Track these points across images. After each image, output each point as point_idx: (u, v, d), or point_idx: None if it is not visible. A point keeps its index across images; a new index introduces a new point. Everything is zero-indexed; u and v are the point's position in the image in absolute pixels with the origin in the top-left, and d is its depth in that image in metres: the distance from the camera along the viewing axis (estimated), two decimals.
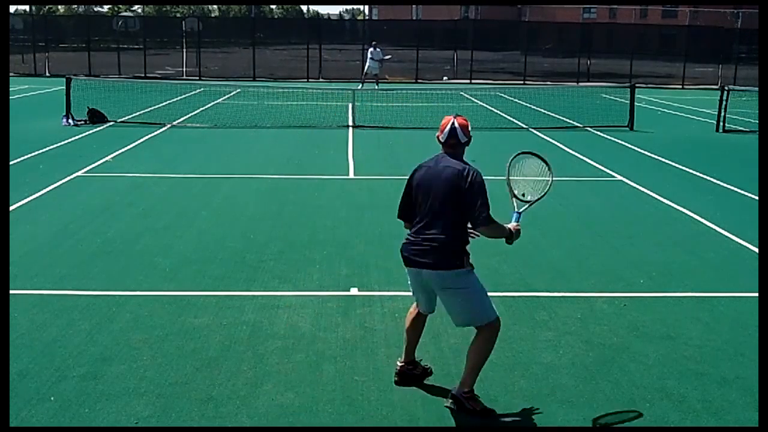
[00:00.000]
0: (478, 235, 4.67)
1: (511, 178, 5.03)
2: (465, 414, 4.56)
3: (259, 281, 6.96)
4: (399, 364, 4.98)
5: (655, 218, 9.71)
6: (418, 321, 4.96)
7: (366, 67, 28.40)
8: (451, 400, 4.62)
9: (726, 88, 19.60)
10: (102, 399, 4.68)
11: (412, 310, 4.97)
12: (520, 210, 4.92)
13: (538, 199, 5.02)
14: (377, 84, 28.17)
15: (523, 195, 5.00)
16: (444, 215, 4.54)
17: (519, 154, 5.11)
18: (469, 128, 4.70)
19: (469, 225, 4.59)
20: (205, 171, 12.22)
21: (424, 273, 4.59)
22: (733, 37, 39.10)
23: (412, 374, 4.97)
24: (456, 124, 4.64)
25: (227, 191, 10.80)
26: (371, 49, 28.08)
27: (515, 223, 4.75)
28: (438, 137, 4.72)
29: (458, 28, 42.66)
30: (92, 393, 4.75)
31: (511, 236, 4.66)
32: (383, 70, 30.20)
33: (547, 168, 5.10)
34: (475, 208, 4.47)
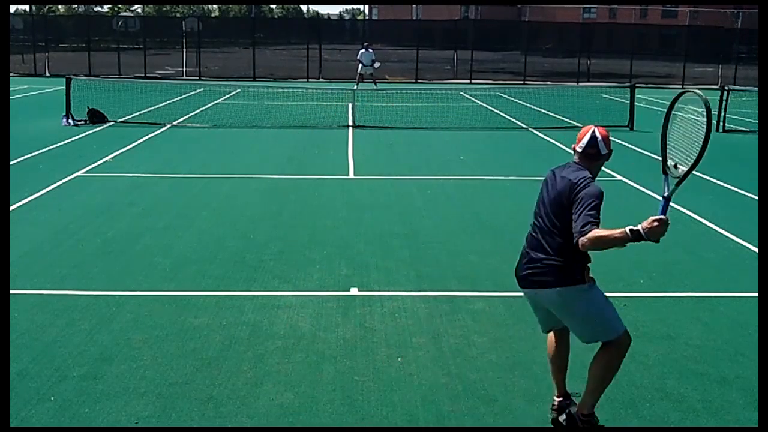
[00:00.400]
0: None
1: (669, 138, 4.28)
2: None
3: (259, 281, 6.96)
4: (556, 399, 4.47)
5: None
6: (559, 344, 4.47)
7: (359, 68, 28.45)
8: (565, 417, 4.35)
9: (726, 88, 19.62)
10: (102, 399, 4.68)
11: (549, 337, 4.54)
12: (670, 191, 4.18)
13: (694, 165, 4.03)
14: (375, 83, 28.13)
15: (675, 166, 4.19)
16: (551, 228, 4.20)
17: (681, 95, 4.38)
18: (610, 140, 4.30)
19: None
20: (205, 171, 12.22)
21: (530, 292, 4.31)
22: (733, 37, 39.11)
23: (567, 408, 4.42)
24: (597, 133, 4.28)
25: (227, 191, 10.80)
26: (362, 50, 28.12)
27: (652, 219, 3.91)
28: (574, 147, 4.32)
29: (458, 28, 42.66)
30: (92, 393, 4.76)
31: (639, 238, 3.89)
32: (383, 71, 30.20)
33: (704, 112, 4.13)
34: (576, 220, 4.01)
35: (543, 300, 4.25)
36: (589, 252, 4.09)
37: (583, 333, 4.24)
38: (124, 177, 11.61)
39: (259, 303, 6.37)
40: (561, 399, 4.47)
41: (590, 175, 4.22)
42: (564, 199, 4.13)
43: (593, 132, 4.29)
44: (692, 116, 4.22)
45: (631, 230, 3.88)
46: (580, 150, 4.28)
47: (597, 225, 3.95)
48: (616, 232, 3.91)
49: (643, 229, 3.88)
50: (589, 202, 4.03)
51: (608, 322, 4.19)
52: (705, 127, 4.02)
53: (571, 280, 4.13)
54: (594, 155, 4.26)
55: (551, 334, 4.50)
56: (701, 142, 3.99)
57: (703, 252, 8.21)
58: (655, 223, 3.90)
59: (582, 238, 3.93)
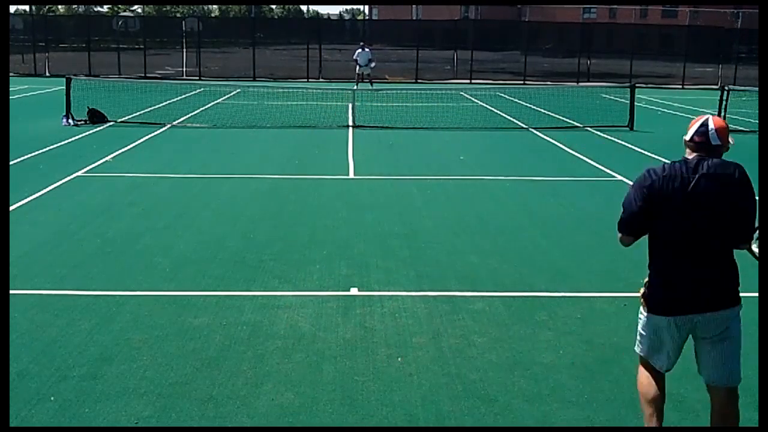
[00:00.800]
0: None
1: None
2: None
3: (259, 281, 6.96)
4: None
5: None
6: (660, 383, 3.93)
7: (356, 69, 28.47)
8: None
9: (726, 87, 19.60)
10: (102, 399, 4.68)
11: (647, 376, 3.97)
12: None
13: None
14: (371, 84, 28.12)
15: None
16: (719, 237, 3.71)
17: None
18: (729, 134, 3.80)
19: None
20: (205, 171, 12.22)
21: (699, 318, 3.73)
22: (733, 37, 39.11)
23: None
24: (711, 124, 3.72)
25: (227, 191, 10.80)
26: (358, 50, 28.13)
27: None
28: (685, 140, 3.81)
29: (458, 28, 42.67)
30: (92, 393, 4.75)
31: None
32: (383, 71, 30.21)
33: None
34: (746, 223, 3.65)
35: (698, 325, 3.76)
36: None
37: (732, 367, 3.78)
38: (124, 177, 11.61)
39: (259, 303, 6.37)
40: None
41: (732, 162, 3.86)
42: (734, 199, 3.71)
43: (705, 120, 3.80)
44: None
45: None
46: (687, 139, 3.83)
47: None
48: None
49: None
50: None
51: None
52: None
53: (738, 297, 3.84)
54: (709, 146, 3.78)
55: (650, 375, 3.94)
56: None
57: None
58: None
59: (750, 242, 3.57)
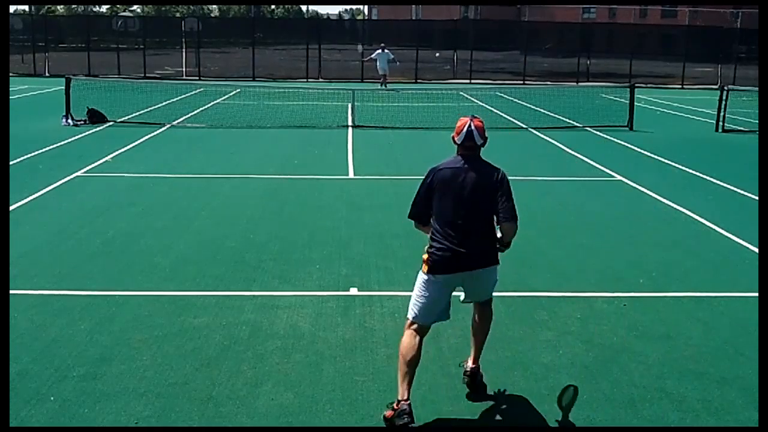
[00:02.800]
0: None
1: None
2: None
3: (259, 281, 6.96)
4: (405, 403, 4.37)
5: (655, 218, 9.71)
6: (420, 347, 4.52)
7: (379, 71, 28.41)
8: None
9: (726, 87, 19.60)
10: (102, 399, 4.68)
11: (412, 339, 4.52)
12: None
13: None
14: (384, 85, 28.10)
15: None
16: (484, 214, 4.56)
17: None
18: (485, 130, 4.64)
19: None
20: (205, 171, 12.22)
21: (474, 273, 4.57)
22: (732, 37, 39.10)
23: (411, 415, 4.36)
24: (473, 126, 4.56)
25: (227, 191, 10.80)
26: (378, 51, 28.15)
27: None
28: (453, 138, 4.63)
29: (458, 28, 42.66)
30: (92, 393, 4.76)
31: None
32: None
33: None
34: (507, 205, 4.53)
35: (469, 279, 4.66)
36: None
37: (487, 294, 4.88)
38: (124, 177, 11.61)
39: (258, 303, 6.38)
40: (408, 401, 4.39)
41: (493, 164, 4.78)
42: (489, 187, 4.59)
43: (469, 125, 4.58)
44: None
45: None
46: (459, 142, 4.64)
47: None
48: None
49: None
50: (511, 191, 4.66)
51: None
52: None
53: (497, 258, 4.69)
54: (472, 147, 4.63)
55: (416, 337, 4.58)
56: None
57: (702, 252, 8.22)
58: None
59: (512, 222, 4.57)
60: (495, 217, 4.59)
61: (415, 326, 4.59)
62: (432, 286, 4.57)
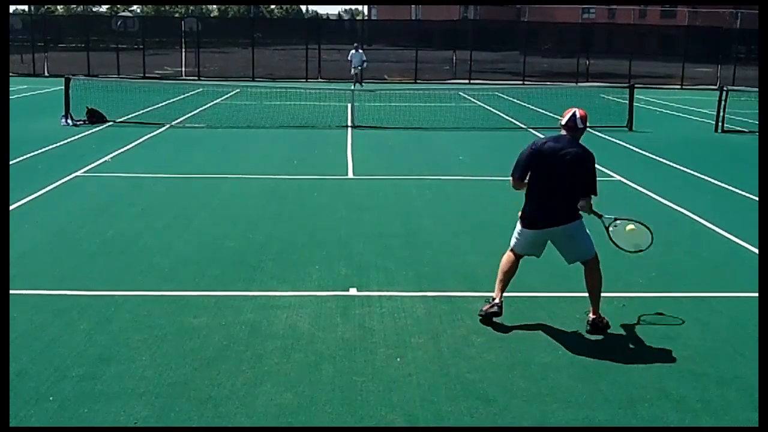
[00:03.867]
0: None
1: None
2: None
3: (258, 281, 6.96)
4: (496, 301, 5.86)
5: (654, 218, 9.66)
6: (515, 266, 5.99)
7: (351, 70, 28.67)
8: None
9: (725, 88, 19.62)
10: (101, 399, 4.68)
11: (512, 259, 5.96)
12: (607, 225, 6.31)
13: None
14: (360, 84, 28.09)
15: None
16: (568, 185, 5.69)
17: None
18: (586, 119, 5.79)
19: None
20: (204, 171, 12.22)
21: (553, 230, 5.78)
22: (732, 38, 39.13)
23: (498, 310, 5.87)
24: (577, 113, 5.74)
25: (226, 191, 10.80)
26: (352, 51, 28.35)
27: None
28: (561, 123, 5.80)
29: (457, 29, 42.67)
30: (91, 393, 4.75)
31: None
32: (380, 70, 30.23)
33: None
34: (593, 181, 5.78)
35: (556, 233, 5.84)
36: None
37: (577, 253, 5.98)
38: (123, 177, 11.61)
39: (258, 303, 6.37)
40: (501, 302, 5.90)
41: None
42: (580, 163, 5.71)
43: (574, 113, 5.76)
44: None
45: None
46: (563, 123, 5.79)
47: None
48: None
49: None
50: (595, 170, 5.88)
51: (591, 245, 5.99)
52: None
53: (579, 215, 5.86)
54: (573, 128, 5.78)
55: (514, 259, 5.99)
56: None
57: (702, 252, 8.22)
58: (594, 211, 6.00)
59: (593, 195, 5.95)
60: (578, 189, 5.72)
61: (513, 252, 6.00)
62: (523, 236, 5.87)
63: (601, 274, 5.90)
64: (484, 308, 5.93)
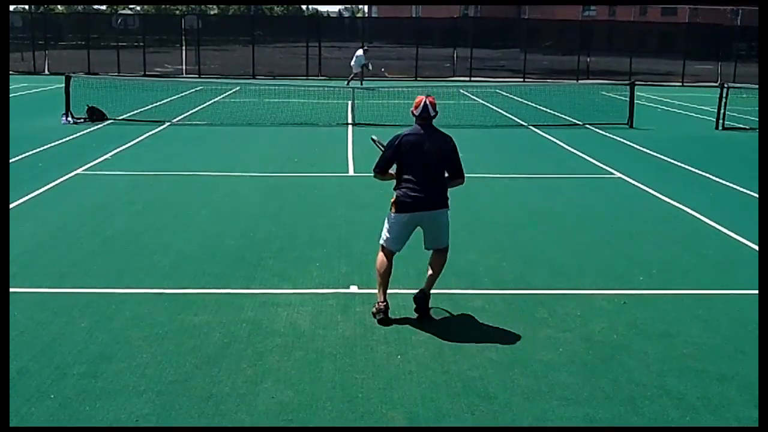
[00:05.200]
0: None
1: None
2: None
3: (259, 279, 6.96)
4: (381, 305, 5.94)
5: (655, 216, 9.71)
6: (390, 263, 6.02)
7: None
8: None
9: (725, 85, 19.58)
10: (102, 397, 4.68)
11: (386, 259, 6.01)
12: None
13: None
14: (360, 82, 28.08)
15: None
16: (438, 170, 5.91)
17: None
18: (436, 105, 5.99)
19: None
20: (205, 169, 12.22)
21: (425, 214, 5.89)
22: (732, 35, 39.09)
23: (387, 313, 5.96)
24: (427, 102, 5.92)
25: (227, 189, 10.80)
26: (359, 52, 28.36)
27: None
28: (413, 112, 5.95)
29: (458, 26, 42.64)
30: (92, 391, 4.76)
31: None
32: (380, 68, 30.21)
33: None
34: (458, 165, 5.96)
35: (424, 219, 5.96)
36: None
37: (442, 238, 6.10)
38: (124, 175, 11.61)
39: (258, 301, 6.38)
40: (386, 302, 5.98)
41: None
42: (444, 149, 5.92)
43: (425, 102, 5.92)
44: None
45: None
46: (417, 114, 5.95)
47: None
48: None
49: None
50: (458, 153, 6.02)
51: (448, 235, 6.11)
52: None
53: (447, 203, 6.05)
54: (427, 117, 5.96)
55: (389, 257, 6.04)
56: None
57: (702, 249, 8.22)
58: None
59: (461, 178, 6.09)
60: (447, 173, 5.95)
61: (385, 251, 6.02)
62: (397, 223, 5.94)
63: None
64: (373, 311, 6.00)
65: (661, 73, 38.59)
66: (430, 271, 6.12)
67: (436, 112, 5.98)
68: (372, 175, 6.22)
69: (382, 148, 6.17)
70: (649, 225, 9.22)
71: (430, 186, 5.88)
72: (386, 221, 6.06)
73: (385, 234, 6.05)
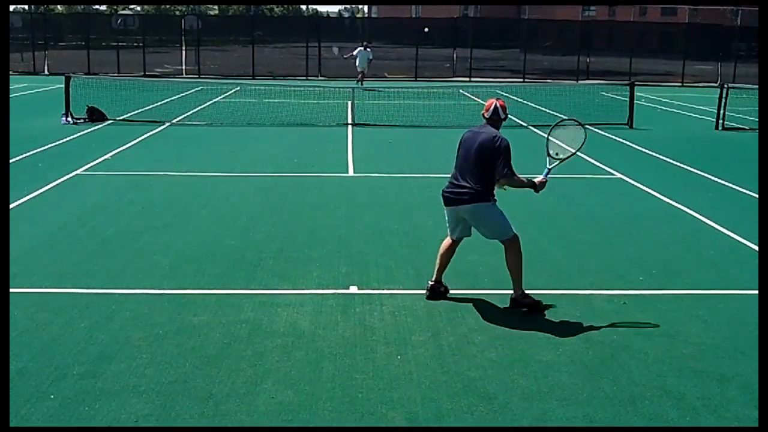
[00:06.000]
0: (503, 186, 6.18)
1: (549, 139, 6.58)
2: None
3: (259, 279, 6.96)
4: (430, 283, 6.43)
5: (655, 216, 9.71)
6: (452, 248, 6.42)
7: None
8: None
9: (725, 85, 19.59)
10: (102, 397, 4.68)
11: (447, 241, 6.41)
12: (551, 166, 6.44)
13: (569, 156, 6.50)
14: (360, 82, 28.12)
15: (556, 154, 6.49)
16: (474, 166, 6.05)
17: (560, 122, 6.62)
18: (506, 108, 6.30)
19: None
20: (205, 169, 12.22)
21: (459, 208, 6.12)
22: (732, 35, 39.08)
23: (439, 291, 6.43)
24: (497, 105, 6.21)
25: (226, 189, 10.80)
26: (360, 49, 28.32)
27: (542, 177, 6.34)
28: (483, 114, 6.27)
29: (458, 26, 42.63)
30: (92, 391, 4.76)
31: (534, 187, 6.32)
32: (380, 68, 30.20)
33: (582, 132, 6.53)
34: (500, 163, 6.00)
35: (462, 214, 6.18)
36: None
37: (490, 233, 6.24)
38: (124, 175, 11.61)
39: (258, 301, 6.38)
40: (434, 283, 6.46)
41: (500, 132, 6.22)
42: (486, 147, 6.06)
43: (495, 105, 6.21)
44: (569, 129, 6.63)
45: (534, 181, 6.29)
46: (487, 116, 6.24)
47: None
48: (523, 178, 6.22)
49: (539, 182, 6.31)
50: (507, 153, 6.05)
51: (506, 227, 6.19)
52: (583, 136, 6.55)
53: (484, 198, 6.11)
54: (497, 120, 6.23)
55: (449, 241, 6.42)
56: (580, 143, 6.53)
57: (702, 250, 8.22)
58: (544, 181, 6.36)
59: (505, 178, 6.08)
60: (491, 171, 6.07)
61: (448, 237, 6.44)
62: (447, 214, 6.33)
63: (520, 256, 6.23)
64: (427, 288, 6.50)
65: (660, 73, 38.60)
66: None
67: (506, 115, 6.27)
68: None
69: None
70: (649, 225, 9.22)
71: (461, 181, 6.11)
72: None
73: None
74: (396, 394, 4.81)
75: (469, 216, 6.13)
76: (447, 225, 6.38)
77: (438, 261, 6.43)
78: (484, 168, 6.03)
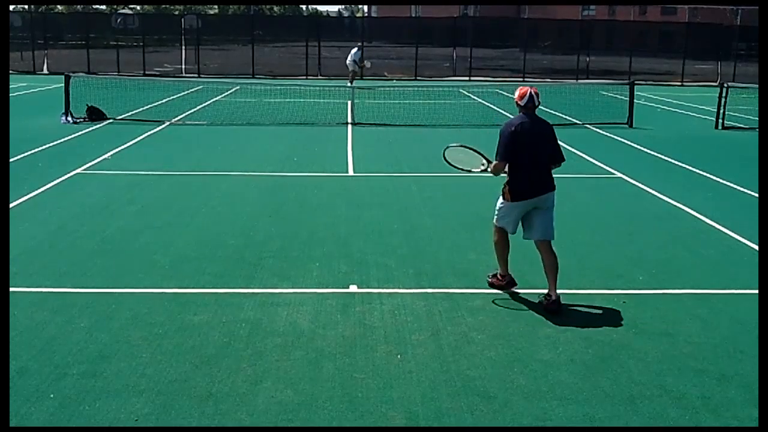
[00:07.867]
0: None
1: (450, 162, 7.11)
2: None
3: (259, 278, 6.96)
4: (501, 275, 6.58)
5: (655, 215, 9.71)
6: (507, 239, 6.53)
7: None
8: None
9: (725, 85, 19.58)
10: (102, 396, 4.68)
11: (501, 236, 6.50)
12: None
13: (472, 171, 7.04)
14: (349, 82, 28.13)
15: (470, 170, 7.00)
16: (545, 154, 6.37)
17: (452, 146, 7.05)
18: (539, 95, 6.43)
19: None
20: (204, 168, 12.22)
21: (541, 198, 6.29)
22: (732, 34, 39.08)
23: (514, 282, 6.60)
24: (532, 93, 6.33)
25: (226, 189, 10.80)
26: (355, 50, 28.43)
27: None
28: (517, 102, 6.36)
29: (457, 26, 42.63)
30: (92, 390, 4.76)
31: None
32: (381, 68, 30.24)
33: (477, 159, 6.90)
34: (559, 147, 6.48)
35: (543, 201, 6.34)
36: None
37: (550, 228, 6.45)
38: (123, 175, 11.60)
39: (258, 300, 6.38)
40: (507, 275, 6.62)
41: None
42: (552, 135, 6.49)
43: (530, 92, 6.34)
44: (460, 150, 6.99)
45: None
46: (523, 104, 6.35)
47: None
48: None
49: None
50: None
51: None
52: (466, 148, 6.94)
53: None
54: (532, 107, 6.37)
55: (504, 235, 6.53)
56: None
57: (702, 249, 8.22)
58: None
59: (562, 161, 6.64)
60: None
61: (501, 229, 6.48)
62: (513, 210, 6.34)
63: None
64: (494, 282, 6.64)
65: (660, 72, 38.59)
66: (548, 276, 6.35)
67: (540, 102, 6.38)
68: (489, 167, 6.63)
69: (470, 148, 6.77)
70: (649, 224, 9.21)
71: (542, 170, 6.31)
72: (498, 206, 6.51)
73: (500, 218, 6.49)
74: (396, 393, 4.82)
75: (551, 201, 6.35)
76: (506, 220, 6.40)
77: (500, 256, 6.55)
78: (551, 155, 6.40)
